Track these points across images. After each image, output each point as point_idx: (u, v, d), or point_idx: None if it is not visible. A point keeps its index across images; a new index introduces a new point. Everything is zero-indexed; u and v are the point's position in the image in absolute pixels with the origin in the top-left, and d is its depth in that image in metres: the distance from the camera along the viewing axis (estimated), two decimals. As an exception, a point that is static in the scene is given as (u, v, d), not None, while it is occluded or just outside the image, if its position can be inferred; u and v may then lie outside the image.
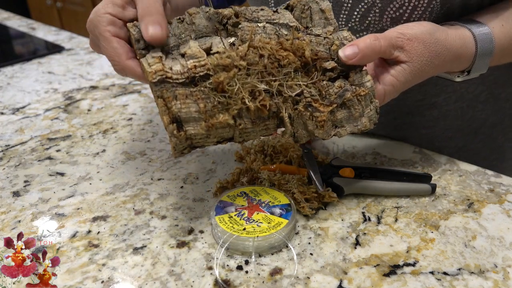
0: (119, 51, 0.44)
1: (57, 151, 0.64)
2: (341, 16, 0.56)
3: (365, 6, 0.54)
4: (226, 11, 0.46)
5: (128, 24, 0.45)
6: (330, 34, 0.47)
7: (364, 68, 0.46)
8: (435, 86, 0.61)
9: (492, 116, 0.67)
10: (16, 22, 1.28)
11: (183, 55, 0.43)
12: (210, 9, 0.46)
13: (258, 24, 0.46)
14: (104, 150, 0.64)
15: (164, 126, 0.42)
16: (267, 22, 0.46)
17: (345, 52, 0.45)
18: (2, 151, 0.64)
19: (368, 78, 0.46)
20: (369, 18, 0.55)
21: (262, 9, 0.47)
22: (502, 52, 0.53)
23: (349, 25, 0.56)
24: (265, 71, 0.43)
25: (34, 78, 0.90)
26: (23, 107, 0.78)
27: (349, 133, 0.46)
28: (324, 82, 0.45)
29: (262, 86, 0.42)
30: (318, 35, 0.46)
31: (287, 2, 0.50)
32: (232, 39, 0.45)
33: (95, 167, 0.60)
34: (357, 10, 0.55)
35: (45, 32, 1.19)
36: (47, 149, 0.65)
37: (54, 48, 1.06)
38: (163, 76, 0.41)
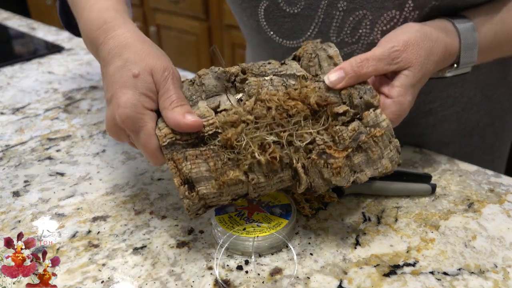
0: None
1: (57, 151, 0.64)
2: (332, 28, 0.56)
3: (356, 19, 0.54)
4: (234, 69, 0.46)
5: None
6: None
7: (379, 108, 0.44)
8: (428, 94, 0.61)
9: (485, 118, 0.67)
10: (16, 22, 1.28)
11: None
12: (218, 69, 0.46)
13: (265, 77, 0.45)
14: (104, 150, 0.64)
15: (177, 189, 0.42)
16: (274, 75, 0.46)
17: (330, 78, 0.44)
18: (2, 151, 0.64)
19: (383, 118, 0.44)
20: (360, 31, 0.55)
21: (269, 63, 0.47)
22: (490, 42, 0.53)
23: (340, 37, 0.56)
24: (273, 123, 0.42)
25: (34, 78, 0.90)
26: (23, 107, 0.78)
27: (370, 177, 0.44)
28: (337, 127, 0.42)
29: (271, 138, 0.41)
30: None
31: (294, 53, 0.50)
32: (239, 95, 0.45)
33: (95, 167, 0.60)
34: (348, 22, 0.54)
35: (45, 32, 1.19)
36: (47, 149, 0.65)
37: (54, 48, 1.06)
38: (172, 139, 0.41)
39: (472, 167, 0.59)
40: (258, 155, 0.41)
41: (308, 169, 0.42)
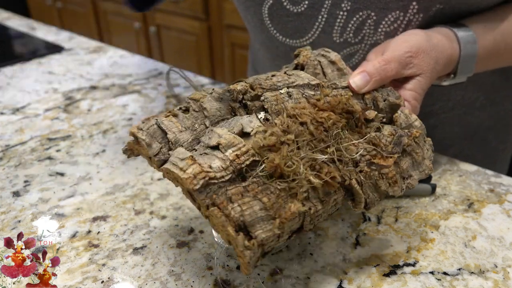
0: None
1: (57, 151, 0.64)
2: (335, 28, 0.56)
3: (360, 19, 0.54)
4: (240, 86, 0.40)
5: (133, 129, 0.37)
6: None
7: (405, 108, 0.43)
8: (429, 96, 0.61)
9: (487, 120, 0.67)
10: (16, 22, 1.28)
11: (213, 148, 0.36)
12: (213, 89, 0.40)
13: (280, 91, 0.40)
14: (104, 150, 0.64)
15: (227, 240, 0.34)
16: (288, 87, 0.41)
17: (356, 82, 0.42)
18: (2, 151, 0.64)
19: (415, 117, 0.42)
20: (363, 31, 0.55)
21: (273, 75, 0.42)
22: (488, 54, 0.53)
23: (343, 37, 0.56)
24: (314, 139, 0.37)
25: (34, 78, 0.90)
26: (23, 107, 0.78)
27: (418, 181, 0.41)
28: (374, 134, 0.39)
29: (322, 157, 0.36)
30: (346, 87, 0.42)
31: (294, 62, 0.46)
32: (261, 114, 0.39)
33: (95, 167, 0.60)
34: (352, 22, 0.54)
35: (45, 32, 1.19)
36: (47, 149, 0.65)
37: (54, 48, 1.06)
38: (206, 179, 0.33)
39: (472, 167, 0.59)
40: (313, 178, 0.35)
41: (362, 184, 0.38)
